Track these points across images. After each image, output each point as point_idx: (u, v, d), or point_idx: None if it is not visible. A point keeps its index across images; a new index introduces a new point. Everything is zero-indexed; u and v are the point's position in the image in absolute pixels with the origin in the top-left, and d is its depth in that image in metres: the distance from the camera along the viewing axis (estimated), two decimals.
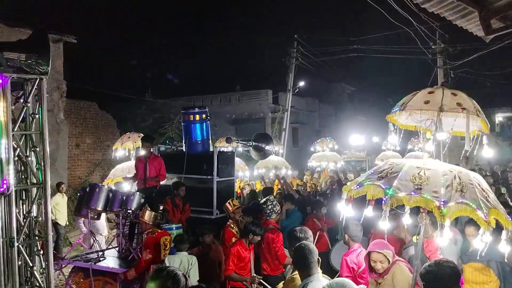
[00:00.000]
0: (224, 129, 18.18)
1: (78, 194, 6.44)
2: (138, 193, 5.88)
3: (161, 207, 7.14)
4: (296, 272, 3.65)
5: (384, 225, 3.21)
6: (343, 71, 26.58)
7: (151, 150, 7.48)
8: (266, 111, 22.42)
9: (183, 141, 8.22)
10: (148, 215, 5.42)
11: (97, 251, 5.94)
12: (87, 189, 5.77)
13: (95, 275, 5.46)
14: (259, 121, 21.78)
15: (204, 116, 8.13)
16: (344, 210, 3.44)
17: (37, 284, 3.46)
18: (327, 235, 7.30)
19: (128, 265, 5.37)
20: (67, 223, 10.23)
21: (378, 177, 3.34)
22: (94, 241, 6.45)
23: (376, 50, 17.39)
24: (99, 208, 5.62)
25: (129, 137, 9.69)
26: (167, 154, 8.24)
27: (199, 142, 8.01)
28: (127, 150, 9.62)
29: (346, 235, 4.79)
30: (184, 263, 5.26)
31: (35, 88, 3.48)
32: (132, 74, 23.64)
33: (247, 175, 13.08)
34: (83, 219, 7.60)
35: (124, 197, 5.66)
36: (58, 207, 9.60)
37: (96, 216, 5.97)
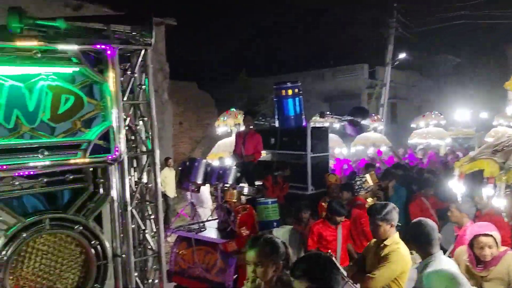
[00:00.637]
0: (317, 107, 17.87)
1: (180, 168, 6.70)
2: (234, 167, 5.96)
3: (259, 183, 7.26)
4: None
5: (499, 202, 2.83)
6: (447, 41, 24.62)
7: (251, 126, 7.52)
8: (362, 87, 21.59)
9: (276, 116, 8.19)
10: (231, 194, 5.49)
11: (198, 222, 6.16)
12: (187, 163, 5.97)
13: (197, 244, 5.68)
14: (354, 98, 21.04)
15: (296, 90, 7.96)
16: (455, 186, 3.13)
17: (149, 247, 3.65)
18: (436, 216, 6.86)
19: (226, 237, 5.50)
20: (176, 195, 10.82)
21: (493, 150, 2.97)
22: (195, 212, 6.72)
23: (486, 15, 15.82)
24: (199, 181, 5.79)
25: (230, 114, 9.91)
26: (260, 130, 8.27)
27: (292, 117, 7.88)
28: (228, 126, 9.86)
29: (458, 212, 4.42)
30: (286, 237, 5.27)
31: (141, 60, 3.61)
32: (228, 53, 24.06)
33: (344, 152, 12.77)
34: (189, 192, 7.94)
35: (221, 171, 5.78)
36: (167, 180, 10.16)
37: (196, 189, 6.17)
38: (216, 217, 6.23)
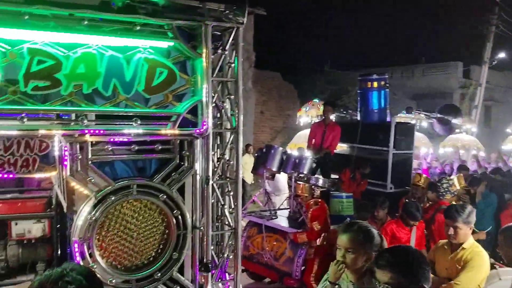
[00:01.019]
0: (404, 104, 17.10)
1: (256, 154, 6.73)
2: (310, 157, 5.86)
3: (335, 176, 7.09)
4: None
5: None
6: None
7: (331, 117, 7.35)
8: (454, 86, 20.29)
9: (358, 109, 7.89)
10: (302, 189, 5.40)
11: (270, 210, 6.16)
12: (264, 150, 5.97)
13: (267, 231, 5.69)
14: (445, 97, 19.79)
15: (382, 83, 7.66)
16: None
17: (227, 222, 3.71)
18: None
19: (297, 227, 5.45)
20: (253, 181, 10.95)
21: None
22: (268, 199, 6.69)
23: None
24: (274, 169, 5.77)
25: (312, 105, 9.80)
26: (341, 123, 8.06)
27: (376, 111, 7.62)
28: (310, 117, 9.75)
29: None
30: None
31: (232, 38, 3.65)
32: (314, 45, 23.84)
33: (430, 152, 12.11)
34: (265, 179, 7.96)
35: (296, 161, 5.71)
36: (246, 166, 10.31)
37: (271, 176, 6.15)
38: (289, 207, 6.20)
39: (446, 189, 6.01)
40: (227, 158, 3.71)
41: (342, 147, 7.94)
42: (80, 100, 3.17)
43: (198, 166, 3.53)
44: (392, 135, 7.33)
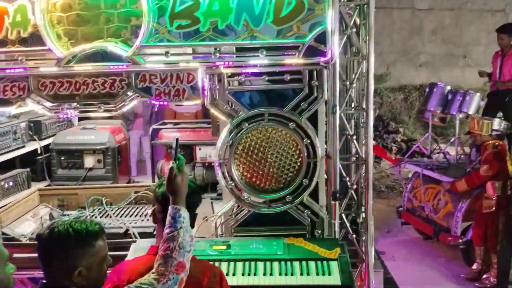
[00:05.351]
0: None
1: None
2: (477, 93, 5.09)
3: None
4: None
5: None
6: None
7: (510, 44, 6.20)
8: None
9: None
10: (477, 124, 4.69)
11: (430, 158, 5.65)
12: (427, 89, 5.44)
13: (428, 182, 5.31)
14: None
15: None
16: None
17: (356, 154, 3.68)
18: None
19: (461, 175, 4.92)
20: None
21: None
22: (436, 146, 6.16)
23: None
24: (438, 111, 5.22)
25: None
26: None
27: None
28: None
29: None
30: None
31: None
32: None
33: None
34: None
35: (459, 98, 5.05)
36: None
37: (439, 120, 5.57)
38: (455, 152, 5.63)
39: None
40: (357, 87, 3.62)
41: None
42: (216, 35, 3.50)
43: (326, 96, 3.55)
44: None
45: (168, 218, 2.07)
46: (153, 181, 4.99)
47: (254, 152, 3.65)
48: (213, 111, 3.63)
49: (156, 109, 7.03)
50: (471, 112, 5.07)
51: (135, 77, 3.56)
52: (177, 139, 2.25)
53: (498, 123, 4.92)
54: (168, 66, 3.54)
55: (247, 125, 3.59)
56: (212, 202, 4.47)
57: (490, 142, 4.83)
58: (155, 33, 3.49)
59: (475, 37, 14.33)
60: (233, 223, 3.69)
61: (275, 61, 3.48)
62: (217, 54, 3.48)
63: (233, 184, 3.63)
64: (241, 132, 3.59)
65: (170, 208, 2.09)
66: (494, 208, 4.62)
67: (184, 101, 3.68)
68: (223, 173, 3.65)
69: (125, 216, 3.98)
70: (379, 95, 15.69)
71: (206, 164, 4.65)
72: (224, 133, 3.62)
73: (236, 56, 3.56)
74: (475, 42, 14.30)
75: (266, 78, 3.58)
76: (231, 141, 3.59)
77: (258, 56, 3.46)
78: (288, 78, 3.56)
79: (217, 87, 3.59)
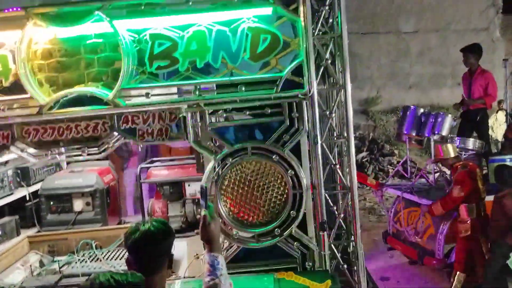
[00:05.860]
0: None
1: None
2: (449, 114, 5.11)
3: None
4: None
5: None
6: None
7: (475, 63, 6.25)
8: None
9: None
10: (445, 150, 4.71)
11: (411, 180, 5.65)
12: (401, 112, 5.45)
13: (410, 205, 5.28)
14: None
15: None
16: None
17: (340, 183, 3.68)
18: None
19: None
20: None
21: None
22: (415, 169, 6.13)
23: None
24: (413, 133, 5.21)
25: None
26: None
27: None
28: None
29: None
30: None
31: None
32: None
33: None
34: None
35: (432, 120, 5.07)
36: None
37: (415, 142, 5.56)
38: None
39: None
40: (336, 116, 3.65)
41: None
42: (196, 74, 3.56)
43: (307, 127, 3.58)
44: None
45: (207, 266, 2.11)
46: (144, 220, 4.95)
47: (240, 186, 3.65)
48: (196, 148, 3.65)
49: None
50: (444, 133, 5.06)
51: (117, 119, 3.60)
52: (206, 187, 2.32)
53: (472, 143, 4.89)
54: (150, 106, 3.58)
55: (231, 160, 3.60)
56: None
57: (460, 163, 4.80)
58: (135, 75, 3.55)
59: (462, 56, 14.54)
60: None
61: (255, 95, 3.52)
62: (197, 92, 3.53)
63: (220, 221, 3.61)
64: (225, 167, 3.60)
65: (207, 256, 2.14)
66: (469, 232, 4.55)
67: (168, 141, 3.71)
68: None
69: (115, 259, 3.95)
70: (372, 118, 15.85)
71: (196, 200, 4.65)
72: (208, 169, 3.63)
73: (216, 93, 3.60)
74: (462, 62, 14.51)
75: (248, 113, 3.62)
76: (216, 177, 3.60)
77: (237, 92, 3.50)
78: (269, 111, 3.60)
79: (199, 124, 3.62)
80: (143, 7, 3.44)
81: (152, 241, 2.13)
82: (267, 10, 3.56)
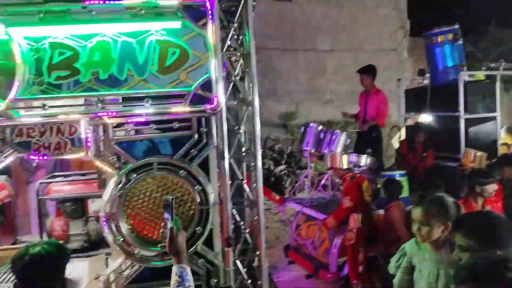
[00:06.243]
0: None
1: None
2: (343, 132, 5.41)
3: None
4: None
5: None
6: None
7: (370, 84, 6.64)
8: None
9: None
10: (338, 160, 4.99)
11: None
12: (302, 129, 5.64)
13: (309, 219, 5.38)
14: None
15: (452, 36, 6.66)
16: None
17: (246, 198, 3.71)
18: None
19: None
20: None
21: None
22: (315, 183, 6.32)
23: None
24: (312, 150, 5.42)
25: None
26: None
27: (447, 70, 6.62)
28: None
29: None
30: None
31: (240, 10, 3.59)
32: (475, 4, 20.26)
33: None
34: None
35: (327, 138, 5.33)
36: None
37: (315, 158, 5.78)
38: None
39: None
40: (244, 132, 3.69)
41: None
42: (99, 86, 3.41)
43: (216, 142, 3.57)
44: (460, 96, 6.25)
45: (175, 277, 2.08)
46: (41, 239, 4.63)
47: (144, 203, 3.53)
48: (98, 163, 3.49)
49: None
50: (338, 150, 5.32)
51: (10, 132, 3.34)
52: (171, 200, 2.29)
53: (364, 159, 5.18)
54: (47, 119, 3.36)
55: (135, 175, 3.48)
56: (107, 258, 4.23)
57: (349, 175, 5.02)
58: (32, 85, 3.33)
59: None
60: (123, 281, 3.50)
61: (162, 109, 3.45)
62: (100, 105, 3.38)
63: (121, 240, 3.47)
64: (129, 183, 3.47)
65: (175, 267, 2.13)
66: (354, 240, 4.70)
67: (66, 155, 3.50)
68: (110, 227, 3.48)
69: (6, 282, 3.63)
70: (290, 132, 16.28)
71: (103, 219, 4.40)
72: (111, 185, 3.47)
73: (122, 106, 3.48)
74: None
75: (154, 127, 3.53)
76: (119, 193, 3.45)
77: (143, 105, 3.41)
78: (177, 125, 3.54)
79: (102, 138, 3.47)
80: (42, 15, 3.24)
81: (41, 266, 1.98)
82: (176, 24, 3.52)
